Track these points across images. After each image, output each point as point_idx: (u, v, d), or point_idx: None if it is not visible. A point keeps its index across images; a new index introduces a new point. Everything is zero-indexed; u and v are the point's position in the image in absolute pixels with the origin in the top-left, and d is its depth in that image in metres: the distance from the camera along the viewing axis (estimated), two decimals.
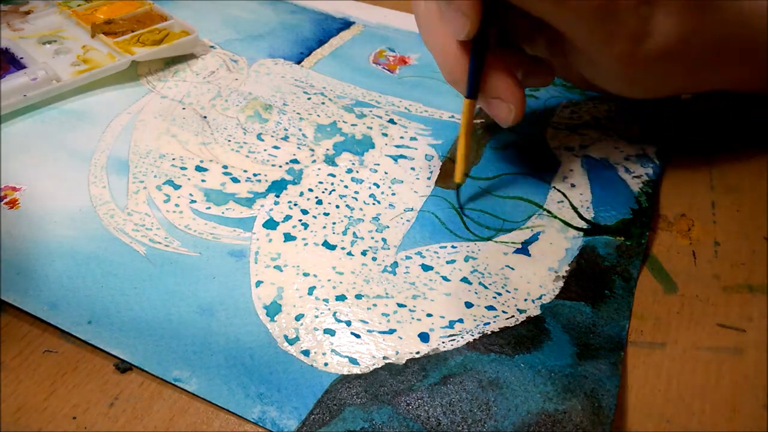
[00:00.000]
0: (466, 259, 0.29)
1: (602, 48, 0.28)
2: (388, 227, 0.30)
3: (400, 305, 0.27)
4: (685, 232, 0.31)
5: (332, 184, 0.32)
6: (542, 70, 0.33)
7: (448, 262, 0.29)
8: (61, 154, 0.33)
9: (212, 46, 0.42)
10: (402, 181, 0.33)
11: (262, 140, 0.35)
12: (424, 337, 0.26)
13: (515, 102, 0.29)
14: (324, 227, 0.30)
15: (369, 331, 0.26)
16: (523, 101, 0.30)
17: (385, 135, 0.36)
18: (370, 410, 0.23)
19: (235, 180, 0.32)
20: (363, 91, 0.39)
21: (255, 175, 0.33)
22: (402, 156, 0.34)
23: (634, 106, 0.37)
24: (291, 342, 0.25)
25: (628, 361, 0.25)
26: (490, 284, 0.28)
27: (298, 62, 0.41)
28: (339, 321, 0.26)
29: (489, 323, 0.26)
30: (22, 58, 0.37)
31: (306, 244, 0.29)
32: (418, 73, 0.41)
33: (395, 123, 0.37)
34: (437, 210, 0.31)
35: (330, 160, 0.34)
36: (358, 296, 0.27)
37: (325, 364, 0.24)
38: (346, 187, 0.32)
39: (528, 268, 0.29)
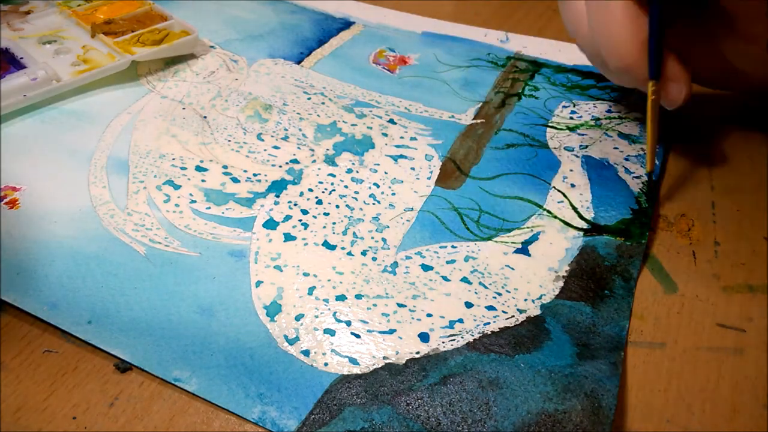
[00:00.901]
0: (466, 259, 0.29)
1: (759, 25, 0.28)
2: (388, 227, 0.30)
3: (400, 305, 0.27)
4: (685, 232, 0.31)
5: (332, 184, 0.32)
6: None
7: (448, 262, 0.29)
8: (61, 154, 0.33)
9: (212, 46, 0.42)
10: (402, 181, 0.33)
11: (262, 140, 0.35)
12: (424, 337, 0.26)
13: (686, 81, 0.30)
14: (324, 227, 0.30)
15: (369, 331, 0.26)
16: (691, 81, 0.30)
17: (385, 135, 0.36)
18: (370, 410, 0.23)
19: (235, 180, 0.32)
20: (363, 91, 0.39)
21: (255, 175, 0.33)
22: (402, 156, 0.34)
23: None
24: (291, 342, 0.25)
25: (628, 361, 0.25)
26: (490, 284, 0.28)
27: (298, 62, 0.41)
28: (339, 321, 0.26)
29: (489, 323, 0.26)
30: (22, 58, 0.37)
31: (306, 244, 0.29)
32: (418, 73, 0.41)
33: (395, 123, 0.37)
34: (437, 210, 0.31)
35: (330, 160, 0.34)
36: (358, 296, 0.27)
37: (325, 364, 0.24)
38: (346, 187, 0.32)
39: (528, 268, 0.29)
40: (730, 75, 0.32)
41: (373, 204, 0.32)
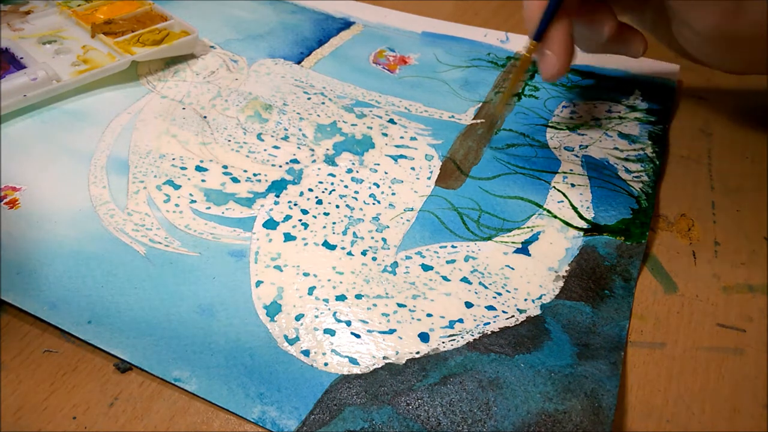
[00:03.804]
0: (466, 259, 0.29)
1: (700, 19, 0.29)
2: (388, 227, 0.30)
3: (400, 305, 0.27)
4: (685, 232, 0.31)
5: (332, 184, 0.32)
6: (633, 37, 0.33)
7: (448, 262, 0.29)
8: (61, 154, 0.33)
9: (212, 46, 0.42)
10: (402, 181, 0.33)
11: (262, 140, 0.35)
12: (424, 337, 0.26)
13: (562, 58, 0.31)
14: (324, 227, 0.30)
15: (369, 331, 0.26)
16: (570, 61, 0.31)
17: (385, 135, 0.36)
18: (370, 410, 0.23)
19: (235, 180, 0.32)
20: (363, 91, 0.39)
21: (255, 175, 0.33)
22: (402, 156, 0.34)
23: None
24: (291, 342, 0.25)
25: (628, 361, 0.25)
26: (490, 284, 0.28)
27: (298, 62, 0.41)
28: (339, 321, 0.26)
29: (489, 323, 0.26)
30: (22, 58, 0.37)
31: (306, 244, 0.29)
32: (418, 73, 0.41)
33: (395, 123, 0.37)
34: (437, 210, 0.31)
35: (330, 160, 0.34)
36: (358, 296, 0.27)
37: (325, 364, 0.24)
38: (346, 187, 0.32)
39: (528, 268, 0.29)
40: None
41: (373, 204, 0.32)
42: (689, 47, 0.32)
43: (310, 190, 0.32)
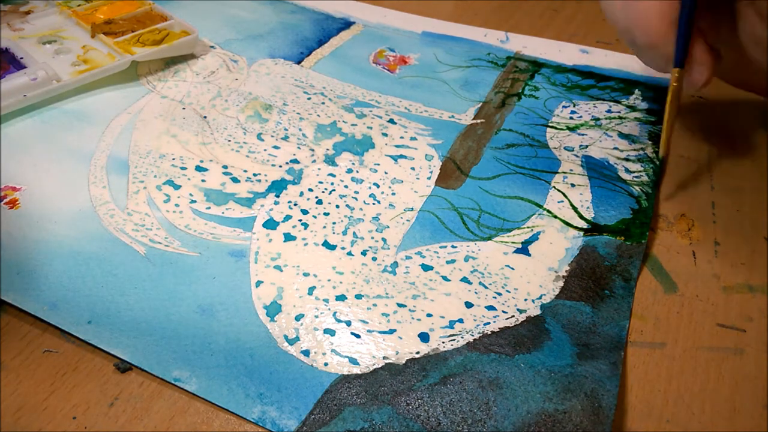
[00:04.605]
0: (466, 259, 0.29)
1: None
2: (388, 227, 0.30)
3: (400, 305, 0.27)
4: (685, 232, 0.31)
5: (332, 184, 0.32)
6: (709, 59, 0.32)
7: (448, 262, 0.29)
8: (61, 154, 0.33)
9: (212, 46, 0.42)
10: (402, 181, 0.33)
11: (262, 140, 0.35)
12: (424, 337, 0.26)
13: (710, 66, 0.30)
14: (324, 227, 0.30)
15: (369, 331, 0.26)
16: (714, 66, 0.30)
17: (385, 135, 0.36)
18: (370, 410, 0.23)
19: (235, 180, 0.32)
20: (363, 91, 0.39)
21: (255, 175, 0.33)
22: (402, 156, 0.34)
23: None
24: (291, 342, 0.25)
25: (628, 361, 0.25)
26: (490, 284, 0.28)
27: (298, 62, 0.41)
28: (339, 321, 0.26)
29: (489, 323, 0.26)
30: (22, 58, 0.37)
31: (306, 244, 0.29)
32: (418, 73, 0.41)
33: (395, 123, 0.37)
34: (437, 210, 0.31)
35: (330, 160, 0.34)
36: (358, 296, 0.27)
37: (325, 364, 0.24)
38: (346, 187, 0.32)
39: (528, 268, 0.29)
40: (754, 74, 0.33)
41: (373, 204, 0.32)
42: (754, 45, 0.30)
43: (310, 190, 0.32)
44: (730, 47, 0.31)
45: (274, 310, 0.26)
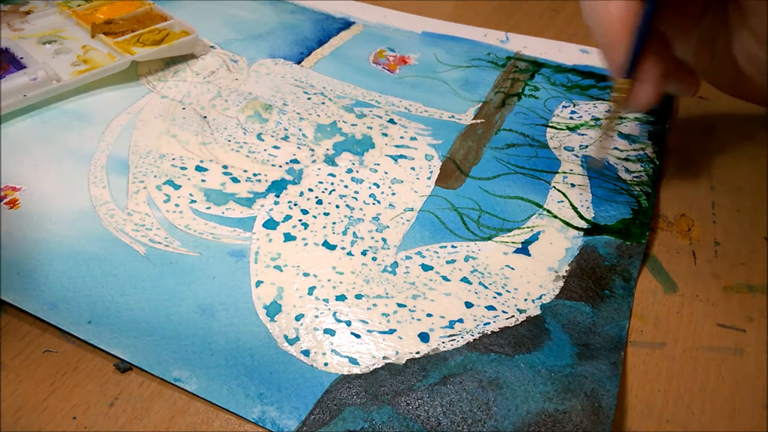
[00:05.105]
0: (466, 259, 0.29)
1: None
2: (388, 227, 0.30)
3: (400, 305, 0.27)
4: (685, 232, 0.31)
5: (332, 184, 0.32)
6: (688, 76, 0.31)
7: (448, 262, 0.29)
8: (61, 154, 0.33)
9: (212, 46, 0.42)
10: (402, 181, 0.33)
11: (262, 140, 0.35)
12: (424, 337, 0.26)
13: (655, 85, 0.29)
14: (324, 227, 0.30)
15: (369, 331, 0.26)
16: (662, 88, 0.29)
17: (385, 135, 0.36)
18: (370, 410, 0.23)
19: (235, 180, 0.32)
20: (363, 91, 0.39)
21: (255, 175, 0.33)
22: (402, 156, 0.34)
23: None
24: (291, 342, 0.25)
25: (628, 361, 0.25)
26: (490, 284, 0.28)
27: (298, 62, 0.41)
28: (339, 321, 0.26)
29: (489, 323, 0.26)
30: (22, 58, 0.37)
31: (306, 244, 0.29)
32: (418, 73, 0.41)
33: (395, 123, 0.37)
34: (437, 210, 0.31)
35: (330, 160, 0.34)
36: (358, 296, 0.27)
37: (325, 364, 0.24)
38: (346, 187, 0.32)
39: (528, 268, 0.29)
40: (744, 81, 0.32)
41: (373, 204, 0.32)
42: (749, 64, 0.29)
43: (310, 190, 0.32)
44: (729, 62, 0.30)
45: (274, 310, 0.26)
